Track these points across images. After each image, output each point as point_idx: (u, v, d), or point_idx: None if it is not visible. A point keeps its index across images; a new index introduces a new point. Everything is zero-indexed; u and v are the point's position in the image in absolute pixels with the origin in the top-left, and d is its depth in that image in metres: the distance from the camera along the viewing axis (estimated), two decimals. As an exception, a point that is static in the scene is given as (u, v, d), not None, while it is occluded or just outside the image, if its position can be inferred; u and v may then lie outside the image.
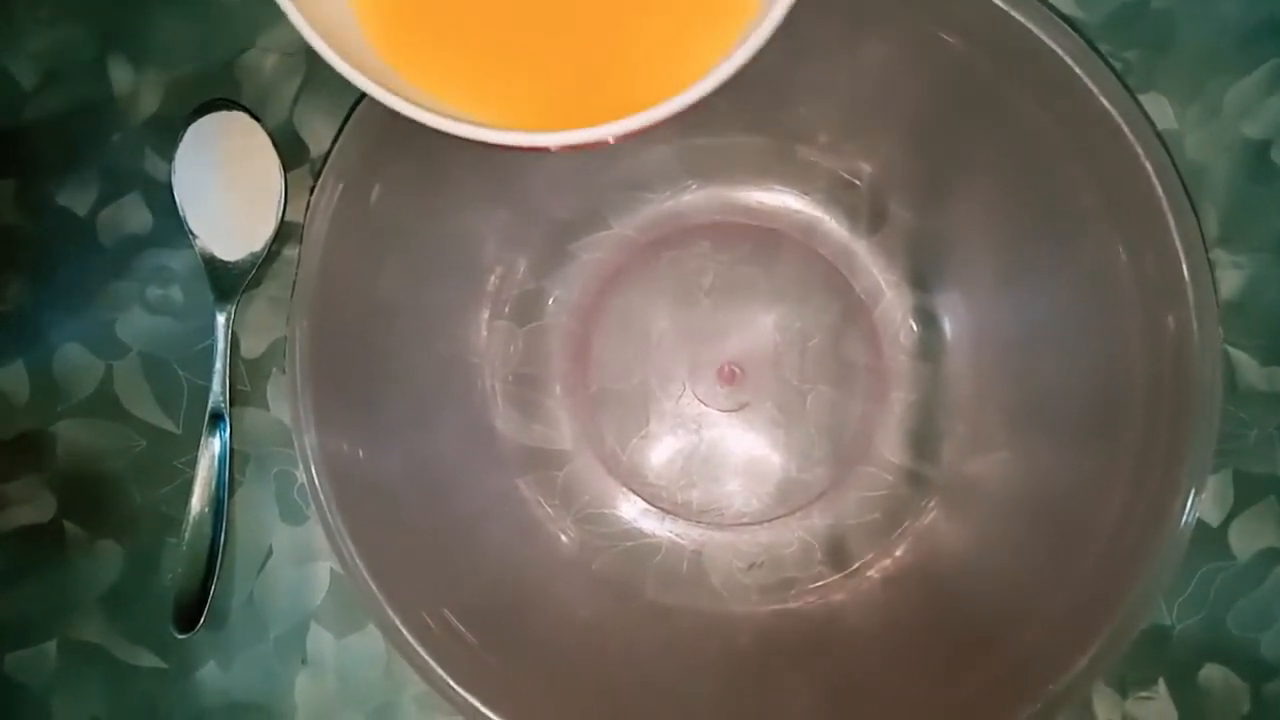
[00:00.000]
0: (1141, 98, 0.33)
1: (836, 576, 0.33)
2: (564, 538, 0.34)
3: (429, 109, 0.20)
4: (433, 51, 0.23)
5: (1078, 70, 0.27)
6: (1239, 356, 0.33)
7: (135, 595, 0.35)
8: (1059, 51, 0.27)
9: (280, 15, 0.35)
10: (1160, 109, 0.34)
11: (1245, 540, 0.33)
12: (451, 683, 0.27)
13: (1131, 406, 0.29)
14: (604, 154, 0.35)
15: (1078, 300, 0.31)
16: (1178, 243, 0.27)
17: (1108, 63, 0.28)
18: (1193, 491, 0.28)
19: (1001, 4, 0.27)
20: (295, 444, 0.29)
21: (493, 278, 0.35)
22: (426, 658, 0.27)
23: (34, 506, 0.35)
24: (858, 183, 0.34)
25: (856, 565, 0.33)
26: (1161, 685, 0.33)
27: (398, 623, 0.28)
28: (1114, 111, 0.27)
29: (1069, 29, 0.28)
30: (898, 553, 0.33)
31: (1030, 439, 0.32)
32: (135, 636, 0.35)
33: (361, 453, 0.30)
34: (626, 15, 0.24)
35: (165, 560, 0.34)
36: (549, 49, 0.24)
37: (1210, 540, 0.33)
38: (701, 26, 0.24)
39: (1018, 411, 0.32)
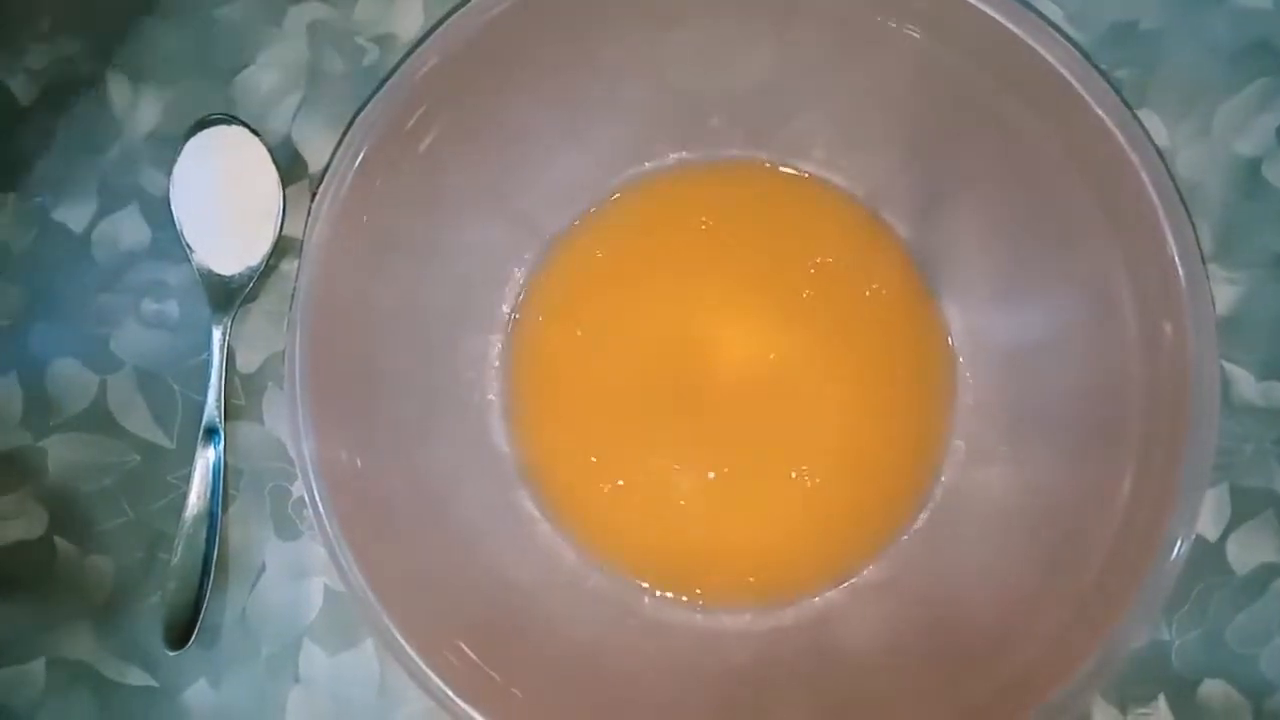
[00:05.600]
0: (1133, 116, 0.34)
1: (832, 590, 0.33)
2: (563, 552, 0.34)
3: None
4: None
5: (1074, 83, 0.28)
6: (1234, 371, 0.33)
7: (126, 612, 0.34)
8: (1056, 65, 0.28)
9: (280, 31, 0.36)
10: (1152, 127, 0.34)
11: (1243, 555, 0.33)
12: (453, 695, 0.27)
13: (1129, 419, 0.29)
14: (602, 167, 0.35)
15: (1075, 313, 0.31)
16: (1175, 253, 0.27)
17: (1104, 75, 0.28)
18: (1192, 502, 0.28)
19: (999, 17, 0.28)
20: (293, 452, 0.29)
21: (491, 291, 0.35)
22: (428, 671, 0.27)
23: (24, 522, 0.34)
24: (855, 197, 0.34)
25: (852, 579, 0.33)
26: (1161, 701, 0.33)
27: (397, 635, 0.27)
28: (1110, 123, 0.27)
29: (1066, 43, 0.28)
30: (894, 567, 0.33)
31: (1027, 452, 0.32)
32: (125, 654, 0.34)
33: (360, 463, 0.29)
34: None
35: (156, 576, 0.34)
36: None
37: (1208, 555, 0.33)
38: None
39: (1015, 425, 0.32)
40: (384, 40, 0.35)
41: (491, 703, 0.27)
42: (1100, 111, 0.27)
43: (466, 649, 0.28)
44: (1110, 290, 0.29)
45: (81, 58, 0.36)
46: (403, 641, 0.27)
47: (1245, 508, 0.33)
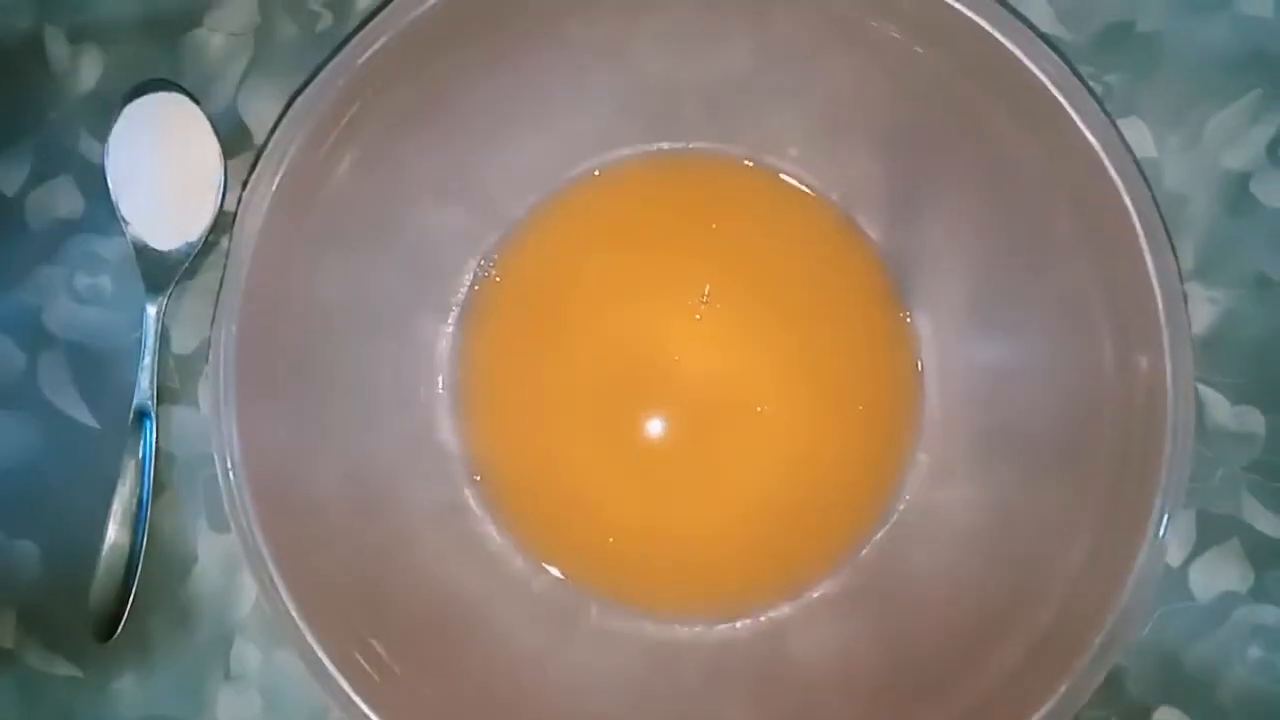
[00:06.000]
0: (1121, 122, 0.32)
1: (787, 604, 0.32)
2: (509, 555, 0.32)
3: None
4: None
5: (1059, 97, 0.26)
6: (1208, 394, 0.32)
7: (52, 600, 0.33)
8: (1040, 76, 0.26)
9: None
10: (1140, 135, 0.33)
11: (1206, 582, 0.32)
12: (352, 695, 0.26)
13: (1100, 445, 0.28)
14: (566, 153, 0.33)
15: (1048, 332, 0.29)
16: (1154, 282, 0.26)
17: (1090, 89, 0.26)
18: (1160, 538, 0.27)
19: (984, 23, 0.26)
20: (215, 453, 0.27)
21: (444, 280, 0.33)
22: (350, 693, 0.26)
23: (-55, 504, 0.33)
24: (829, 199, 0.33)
25: (809, 593, 0.32)
26: (1115, 729, 0.32)
27: (320, 654, 0.26)
28: (1095, 142, 0.26)
29: (1052, 52, 0.27)
30: (851, 583, 0.32)
31: (993, 471, 0.31)
32: (51, 643, 0.33)
33: (291, 464, 0.28)
34: None
35: (85, 564, 0.32)
36: None
37: (1170, 580, 0.32)
38: None
39: (982, 442, 0.31)
40: (338, 5, 0.34)
41: (400, 710, 0.26)
42: (1085, 129, 0.26)
43: (395, 666, 0.27)
44: (1086, 311, 0.28)
45: (18, 9, 0.34)
46: (324, 658, 0.26)
47: (1211, 534, 0.32)
